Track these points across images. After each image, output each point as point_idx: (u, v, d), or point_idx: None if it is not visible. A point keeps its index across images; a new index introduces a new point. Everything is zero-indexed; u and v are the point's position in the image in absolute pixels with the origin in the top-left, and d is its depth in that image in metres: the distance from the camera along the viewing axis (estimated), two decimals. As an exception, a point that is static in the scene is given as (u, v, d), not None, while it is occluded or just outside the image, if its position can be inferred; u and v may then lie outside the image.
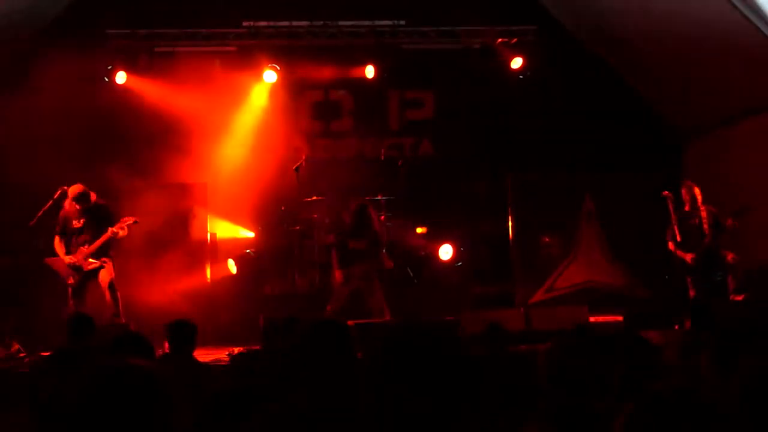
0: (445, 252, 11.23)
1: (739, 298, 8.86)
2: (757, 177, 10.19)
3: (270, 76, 11.18)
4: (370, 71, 11.36)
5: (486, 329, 6.24)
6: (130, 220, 8.65)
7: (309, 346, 2.90)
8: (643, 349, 4.53)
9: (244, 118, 12.02)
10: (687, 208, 9.19)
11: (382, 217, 10.98)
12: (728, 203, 9.31)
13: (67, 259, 8.59)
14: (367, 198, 10.33)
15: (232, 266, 11.05)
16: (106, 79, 10.85)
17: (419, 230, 11.59)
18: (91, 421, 1.83)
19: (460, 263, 11.43)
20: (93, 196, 8.72)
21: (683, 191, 9.29)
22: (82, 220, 8.64)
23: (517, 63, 11.25)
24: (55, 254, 8.70)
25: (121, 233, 8.60)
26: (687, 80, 10.97)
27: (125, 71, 10.86)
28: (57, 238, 8.70)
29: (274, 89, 11.63)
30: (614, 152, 11.53)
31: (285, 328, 5.12)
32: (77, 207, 8.60)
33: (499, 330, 6.20)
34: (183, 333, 5.39)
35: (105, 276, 8.60)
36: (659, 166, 11.31)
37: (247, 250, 11.33)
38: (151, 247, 10.46)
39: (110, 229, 8.52)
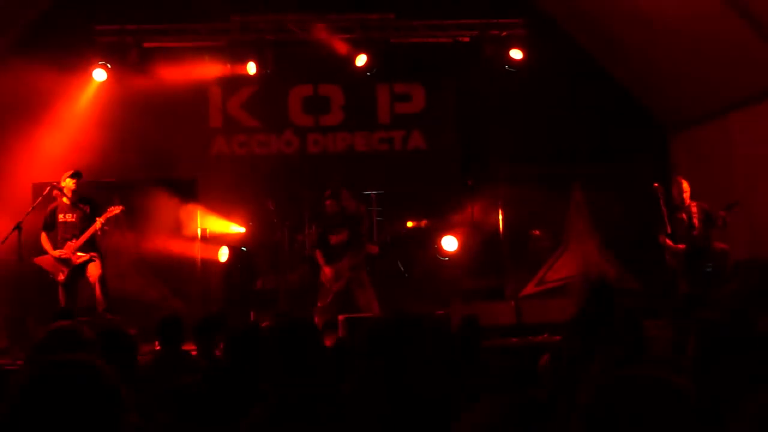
0: (449, 243, 11.16)
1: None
2: (744, 169, 10.24)
3: (251, 67, 11.13)
4: (361, 59, 11.28)
5: (462, 323, 5.92)
6: (117, 209, 8.59)
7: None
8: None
9: (233, 113, 12.03)
10: (677, 203, 9.22)
11: (373, 211, 10.97)
12: (715, 194, 9.35)
13: (56, 252, 8.53)
14: (350, 190, 10.23)
15: (222, 254, 10.98)
16: (100, 78, 10.80)
17: (409, 224, 11.59)
18: (31, 418, 1.81)
19: (447, 257, 11.44)
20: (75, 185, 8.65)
21: (673, 187, 9.32)
22: (68, 215, 8.60)
23: (517, 54, 11.20)
24: (42, 252, 8.65)
25: (107, 227, 8.55)
26: (674, 72, 10.99)
27: (113, 67, 10.80)
28: (43, 234, 8.62)
29: (262, 83, 11.63)
30: (603, 144, 11.57)
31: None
32: (69, 196, 8.53)
33: (474, 324, 5.89)
34: (170, 328, 5.42)
35: (94, 271, 8.54)
36: (647, 157, 11.35)
37: (243, 248, 11.32)
38: (142, 242, 10.45)
39: (97, 219, 8.47)
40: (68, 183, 8.56)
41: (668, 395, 1.67)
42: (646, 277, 10.76)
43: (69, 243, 8.53)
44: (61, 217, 8.61)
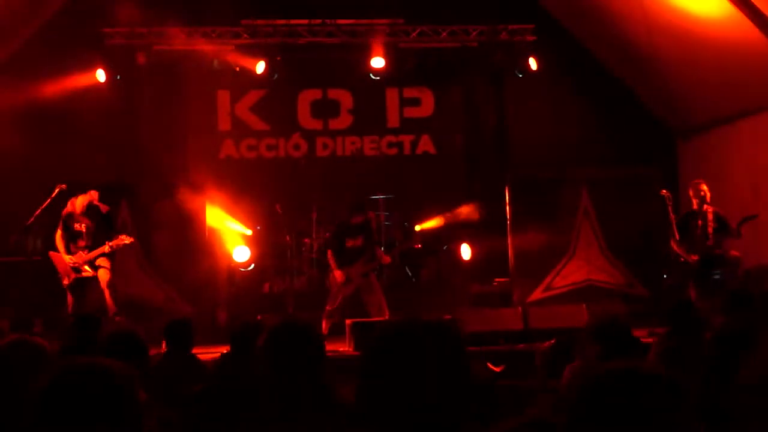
0: (465, 251, 11.18)
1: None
2: (752, 176, 10.21)
3: (259, 66, 11.14)
4: (378, 62, 11.20)
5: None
6: (127, 240, 8.64)
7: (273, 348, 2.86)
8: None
9: (242, 116, 12.05)
10: (694, 207, 9.07)
11: (381, 216, 10.96)
12: (723, 201, 9.30)
13: (68, 258, 8.56)
14: (366, 196, 10.27)
15: (240, 254, 10.93)
16: (101, 79, 10.82)
17: (417, 228, 11.58)
18: (50, 420, 1.82)
19: (460, 263, 11.42)
20: (103, 208, 8.74)
21: (690, 190, 9.16)
22: (82, 225, 8.63)
23: (534, 64, 11.19)
24: (55, 247, 8.65)
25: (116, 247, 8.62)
26: (683, 79, 10.98)
27: (122, 70, 10.83)
28: (59, 232, 8.62)
29: (271, 87, 11.66)
30: (611, 149, 11.55)
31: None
32: (85, 211, 8.59)
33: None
34: (180, 332, 5.39)
35: (104, 275, 8.57)
36: (656, 163, 11.31)
37: (251, 266, 11.30)
38: (150, 246, 10.45)
39: (107, 243, 8.52)
40: (81, 200, 8.60)
41: (642, 383, 1.67)
42: (654, 284, 10.72)
43: (81, 253, 8.57)
44: (76, 225, 8.66)
